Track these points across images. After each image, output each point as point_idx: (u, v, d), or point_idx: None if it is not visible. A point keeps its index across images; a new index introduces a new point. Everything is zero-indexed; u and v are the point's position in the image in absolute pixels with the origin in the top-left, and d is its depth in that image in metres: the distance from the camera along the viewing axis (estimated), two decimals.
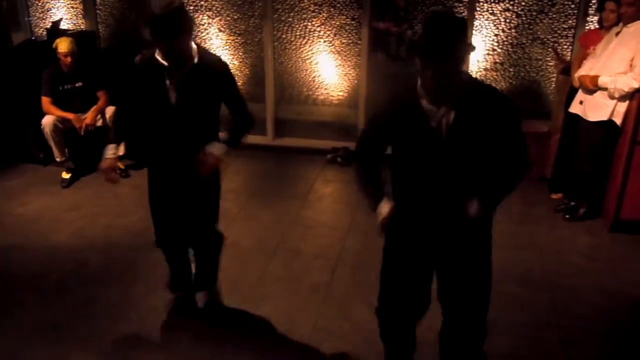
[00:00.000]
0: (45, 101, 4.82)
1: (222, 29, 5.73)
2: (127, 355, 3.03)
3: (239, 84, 5.82)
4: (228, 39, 5.76)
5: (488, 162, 2.19)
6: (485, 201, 2.21)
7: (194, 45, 2.72)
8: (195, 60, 2.71)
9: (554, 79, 5.21)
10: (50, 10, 5.98)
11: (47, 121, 4.84)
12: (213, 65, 2.77)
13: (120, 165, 5.10)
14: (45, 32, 5.75)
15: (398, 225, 2.33)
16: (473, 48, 2.14)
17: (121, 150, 5.09)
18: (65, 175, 5.00)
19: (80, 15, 5.84)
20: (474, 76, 2.40)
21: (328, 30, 5.53)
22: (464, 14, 5.19)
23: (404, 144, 2.24)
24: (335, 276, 3.72)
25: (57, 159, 5.00)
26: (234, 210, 4.58)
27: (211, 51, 2.96)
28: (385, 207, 2.33)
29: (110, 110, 4.94)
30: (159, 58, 2.70)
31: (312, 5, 5.48)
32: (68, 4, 5.91)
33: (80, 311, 3.36)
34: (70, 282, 3.62)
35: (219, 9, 5.65)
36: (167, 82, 2.71)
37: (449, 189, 2.20)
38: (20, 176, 5.12)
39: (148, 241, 3.98)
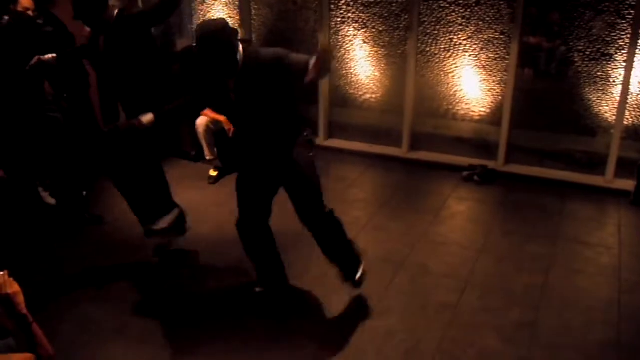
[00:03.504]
0: None
1: (366, 40, 5.81)
2: (257, 349, 3.17)
3: (378, 95, 5.93)
4: (371, 51, 5.83)
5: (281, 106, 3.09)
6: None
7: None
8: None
9: None
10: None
11: (201, 122, 5.24)
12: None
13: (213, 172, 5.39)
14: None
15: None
16: (235, 33, 2.98)
17: None
18: (213, 173, 5.37)
19: (237, 25, 6.25)
20: (259, 51, 3.06)
21: (475, 44, 5.38)
22: (621, 32, 4.80)
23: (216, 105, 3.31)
24: (463, 298, 3.59)
25: (207, 157, 5.38)
26: (363, 219, 4.61)
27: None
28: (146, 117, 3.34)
29: None
30: None
31: (459, 19, 5.36)
32: (227, 14, 6.35)
33: (214, 301, 3.58)
34: (209, 272, 3.87)
35: (365, 21, 5.74)
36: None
37: (253, 133, 3.15)
38: (173, 170, 5.57)
39: (283, 241, 4.14)
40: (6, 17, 4.06)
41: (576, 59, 5.19)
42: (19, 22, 4.15)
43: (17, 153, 4.09)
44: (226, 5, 6.32)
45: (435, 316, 3.43)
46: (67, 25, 5.06)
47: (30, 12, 4.63)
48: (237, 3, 6.20)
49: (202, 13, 6.50)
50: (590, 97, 5.22)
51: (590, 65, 5.12)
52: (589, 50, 5.08)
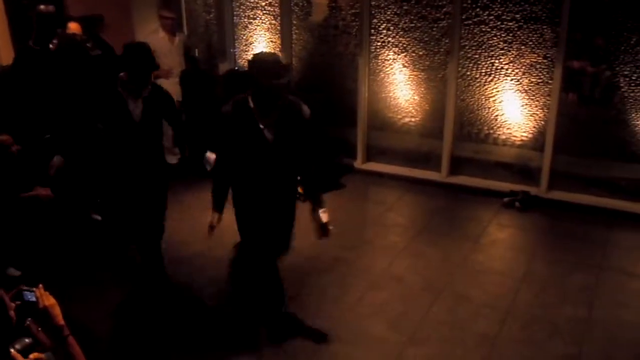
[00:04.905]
0: None
1: (406, 64, 5.81)
2: None
3: (417, 119, 5.91)
4: (411, 75, 5.82)
5: (301, 161, 3.17)
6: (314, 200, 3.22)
7: None
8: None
9: None
10: (253, 43, 6.60)
11: None
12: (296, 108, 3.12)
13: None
14: (247, 63, 6.35)
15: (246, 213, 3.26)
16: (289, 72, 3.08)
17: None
18: None
19: (278, 49, 6.35)
20: (290, 97, 3.13)
21: (517, 68, 5.32)
22: None
23: (244, 143, 3.08)
24: (503, 329, 3.50)
25: None
26: (401, 244, 4.57)
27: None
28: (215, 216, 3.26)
29: None
30: (250, 103, 3.04)
31: (501, 43, 5.32)
32: (268, 39, 6.47)
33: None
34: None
35: (405, 46, 5.75)
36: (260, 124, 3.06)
37: (276, 182, 3.15)
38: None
39: (319, 265, 4.15)
40: (55, 41, 4.21)
41: (622, 84, 5.07)
42: (68, 45, 4.31)
43: (67, 172, 4.22)
44: (268, 30, 6.44)
45: (474, 347, 3.35)
46: (114, 49, 5.25)
47: (77, 37, 4.82)
48: (278, 28, 6.32)
49: (244, 38, 6.64)
50: (637, 122, 5.08)
51: (636, 90, 4.99)
52: (635, 75, 4.95)
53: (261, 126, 3.04)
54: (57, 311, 2.16)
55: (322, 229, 3.24)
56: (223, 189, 3.26)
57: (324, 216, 3.21)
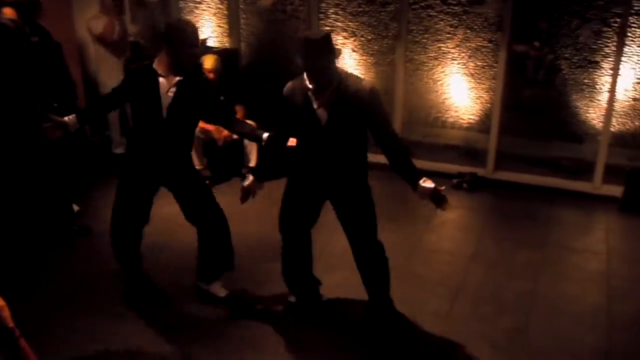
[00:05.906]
0: None
1: (355, 49, 5.83)
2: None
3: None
4: (360, 59, 5.85)
5: (360, 138, 3.03)
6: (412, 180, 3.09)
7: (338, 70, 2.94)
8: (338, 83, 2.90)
9: None
10: (199, 28, 6.45)
11: None
12: (356, 88, 2.92)
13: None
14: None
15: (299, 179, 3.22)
16: (339, 53, 2.96)
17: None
18: None
19: (226, 34, 6.26)
20: (348, 74, 2.98)
21: (463, 52, 5.43)
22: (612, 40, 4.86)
23: (298, 123, 3.03)
24: (455, 307, 3.61)
25: (196, 167, 5.35)
26: None
27: (357, 76, 3.08)
28: (249, 180, 3.27)
29: None
30: (306, 82, 2.91)
31: (447, 27, 5.41)
32: (215, 23, 6.36)
33: (203, 315, 3.57)
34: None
35: (354, 30, 5.77)
36: (314, 104, 2.92)
37: (331, 155, 3.01)
38: None
39: (271, 252, 4.14)
40: None
41: (563, 67, 5.26)
42: (6, 30, 4.12)
43: (7, 165, 4.06)
44: (215, 15, 6.33)
45: (427, 325, 3.43)
46: (52, 34, 5.04)
47: (16, 22, 4.59)
48: (226, 12, 6.21)
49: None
50: (577, 104, 5.28)
51: (577, 72, 5.18)
52: (576, 57, 5.14)
53: (315, 106, 2.92)
54: (5, 313, 2.07)
55: (436, 200, 3.04)
56: (269, 158, 3.31)
57: (427, 184, 2.99)
